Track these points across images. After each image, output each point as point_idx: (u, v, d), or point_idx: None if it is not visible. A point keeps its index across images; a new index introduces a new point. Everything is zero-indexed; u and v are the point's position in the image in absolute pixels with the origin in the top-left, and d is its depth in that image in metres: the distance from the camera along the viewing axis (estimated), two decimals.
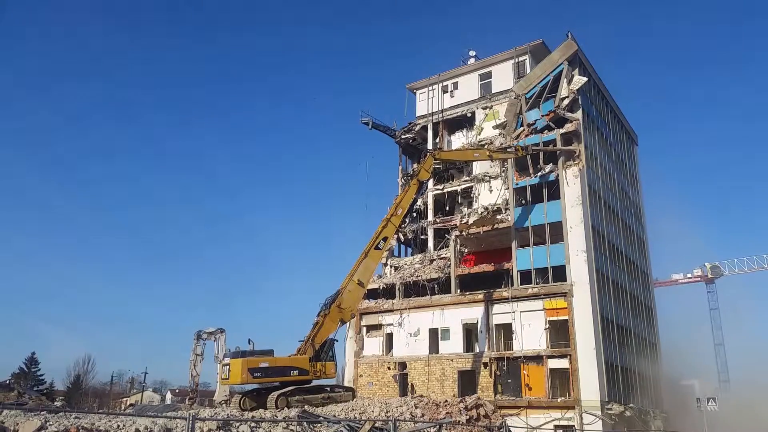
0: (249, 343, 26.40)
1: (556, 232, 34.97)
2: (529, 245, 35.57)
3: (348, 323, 32.79)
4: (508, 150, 35.99)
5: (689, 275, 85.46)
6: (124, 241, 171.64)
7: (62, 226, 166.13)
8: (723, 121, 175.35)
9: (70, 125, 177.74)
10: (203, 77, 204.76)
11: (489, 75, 43.47)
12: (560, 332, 33.10)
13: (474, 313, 35.84)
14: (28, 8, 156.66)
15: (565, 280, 33.43)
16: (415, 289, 39.16)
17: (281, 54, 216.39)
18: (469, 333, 36.31)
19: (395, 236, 42.83)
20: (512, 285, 35.21)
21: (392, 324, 38.82)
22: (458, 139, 44.50)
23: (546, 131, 37.29)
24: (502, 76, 42.48)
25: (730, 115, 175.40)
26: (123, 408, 70.50)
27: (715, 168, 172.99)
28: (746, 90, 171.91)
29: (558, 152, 36.31)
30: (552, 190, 36.11)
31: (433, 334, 36.99)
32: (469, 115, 43.56)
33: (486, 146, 37.95)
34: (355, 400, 27.14)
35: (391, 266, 42.67)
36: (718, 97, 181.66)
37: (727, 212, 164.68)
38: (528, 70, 40.29)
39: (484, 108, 42.71)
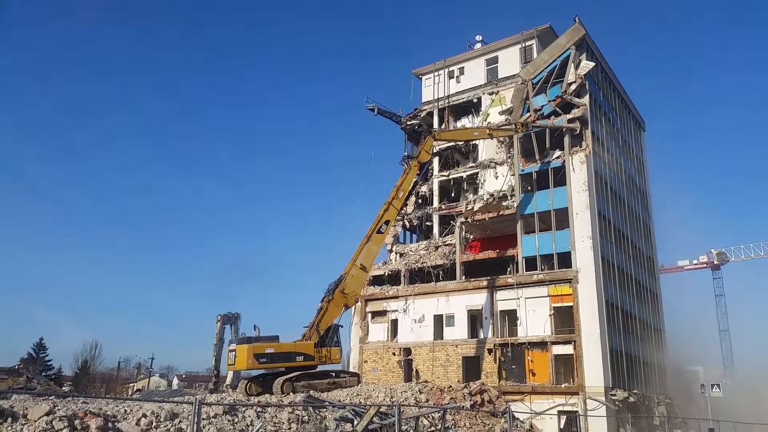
0: (254, 329, 26.53)
1: (562, 218, 34.86)
2: (534, 232, 35.50)
3: (353, 309, 32.92)
4: (508, 127, 35.76)
5: (695, 261, 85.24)
6: (129, 231, 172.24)
7: (68, 216, 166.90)
8: (731, 108, 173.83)
9: (74, 116, 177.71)
10: (207, 67, 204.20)
11: (495, 60, 43.09)
12: (565, 318, 33.14)
13: (479, 299, 35.89)
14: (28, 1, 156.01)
15: (571, 267, 33.39)
16: (420, 276, 39.24)
17: (285, 42, 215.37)
18: (474, 319, 36.40)
19: (400, 222, 42.84)
20: (517, 271, 35.22)
21: (397, 310, 38.95)
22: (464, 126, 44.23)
23: (553, 117, 37.01)
24: (509, 61, 42.10)
25: (739, 102, 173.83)
26: (130, 393, 71.21)
27: (723, 154, 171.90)
28: (755, 77, 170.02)
29: (564, 131, 36.03)
30: (558, 176, 35.94)
31: (438, 320, 37.12)
32: (475, 100, 43.26)
33: (486, 124, 37.82)
34: (360, 385, 27.25)
35: (396, 253, 42.69)
36: (726, 83, 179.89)
37: (734, 198, 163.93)
38: (535, 55, 39.91)
39: (491, 93, 42.38)
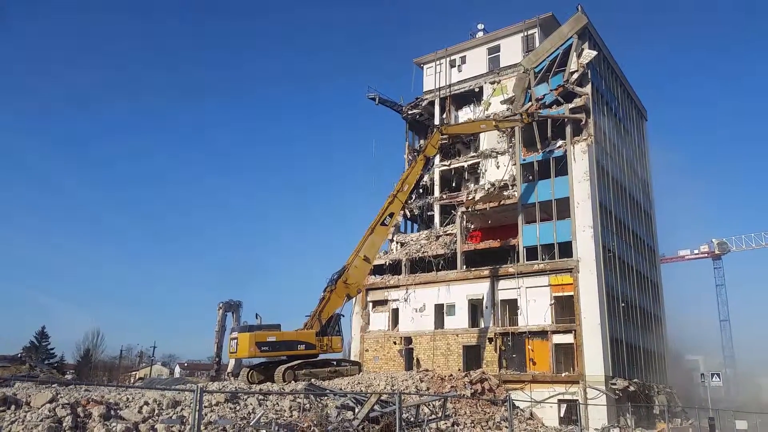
0: (256, 318, 26.62)
1: (563, 208, 34.84)
2: (535, 221, 35.50)
3: (354, 298, 32.99)
4: (514, 118, 35.66)
5: (696, 251, 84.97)
6: (132, 219, 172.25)
7: (70, 205, 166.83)
8: (733, 97, 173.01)
9: (79, 105, 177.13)
10: (209, 57, 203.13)
11: (497, 49, 42.83)
12: (565, 308, 33.21)
13: (479, 288, 35.95)
14: None
15: (571, 256, 33.41)
16: (421, 265, 39.29)
17: (286, 30, 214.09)
18: (475, 308, 36.49)
19: (402, 212, 42.81)
20: (518, 261, 35.24)
21: (398, 299, 39.04)
22: (466, 115, 44.04)
23: (554, 106, 36.87)
24: (511, 50, 41.84)
25: (741, 91, 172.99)
26: (132, 381, 71.62)
27: (724, 144, 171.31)
28: (758, 65, 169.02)
29: (566, 120, 35.94)
30: (559, 165, 35.87)
31: (439, 309, 37.21)
32: (476, 90, 43.06)
33: (492, 116, 37.75)
34: (361, 373, 27.38)
35: (397, 242, 42.72)
36: (729, 72, 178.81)
37: (735, 188, 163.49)
38: (537, 44, 39.67)
39: (492, 83, 42.18)
